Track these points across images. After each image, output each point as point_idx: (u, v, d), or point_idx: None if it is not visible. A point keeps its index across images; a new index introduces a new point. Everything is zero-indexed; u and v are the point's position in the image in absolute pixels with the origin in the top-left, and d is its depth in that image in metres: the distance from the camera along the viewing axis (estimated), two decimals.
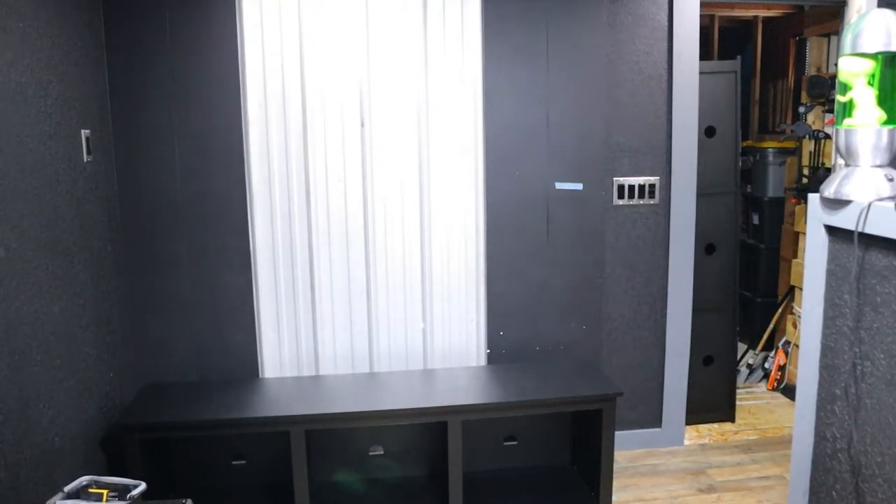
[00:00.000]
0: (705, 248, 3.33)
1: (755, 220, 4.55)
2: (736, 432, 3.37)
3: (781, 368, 3.92)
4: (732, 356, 3.48)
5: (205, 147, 2.62)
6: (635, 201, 3.01)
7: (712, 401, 3.43)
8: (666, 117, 2.97)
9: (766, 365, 4.05)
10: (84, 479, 1.92)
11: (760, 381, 4.05)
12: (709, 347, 3.39)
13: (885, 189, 1.69)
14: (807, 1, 3.44)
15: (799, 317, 3.43)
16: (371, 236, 2.77)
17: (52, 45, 2.11)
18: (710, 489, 2.85)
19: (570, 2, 2.75)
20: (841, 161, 1.93)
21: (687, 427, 3.29)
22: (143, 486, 1.92)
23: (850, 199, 1.71)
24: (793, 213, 4.15)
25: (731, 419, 3.48)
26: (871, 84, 1.74)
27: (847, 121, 1.78)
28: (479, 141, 2.79)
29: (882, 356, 1.64)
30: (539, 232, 2.86)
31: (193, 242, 2.66)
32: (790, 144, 4.43)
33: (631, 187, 2.99)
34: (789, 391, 3.80)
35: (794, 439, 2.00)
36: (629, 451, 3.18)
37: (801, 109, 4.07)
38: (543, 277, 2.89)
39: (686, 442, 3.25)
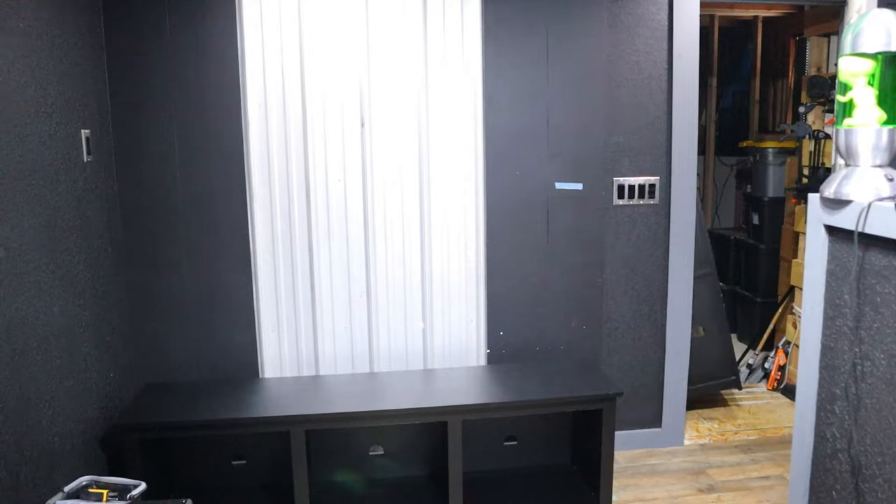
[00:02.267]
0: None
1: (755, 220, 4.55)
2: (736, 432, 3.37)
3: (781, 368, 3.92)
4: (723, 320, 3.50)
5: (205, 147, 2.62)
6: (635, 201, 3.01)
7: (713, 369, 3.44)
8: (666, 117, 2.97)
9: (766, 365, 4.05)
10: (84, 479, 1.92)
11: (760, 381, 4.04)
12: (697, 319, 3.39)
13: (885, 189, 1.69)
14: (807, 1, 3.44)
15: (799, 317, 3.43)
16: (371, 236, 2.77)
17: (52, 45, 2.11)
18: (710, 489, 2.85)
19: (570, 2, 2.75)
20: (841, 161, 1.93)
21: (687, 427, 3.29)
22: (143, 486, 1.92)
23: (850, 199, 1.71)
24: (793, 213, 4.15)
25: (738, 386, 3.55)
26: (871, 84, 1.74)
27: (847, 121, 1.78)
28: (478, 141, 2.79)
29: (882, 356, 1.64)
30: (539, 232, 2.86)
31: (193, 242, 2.66)
32: (790, 144, 4.43)
33: (631, 187, 2.99)
34: (789, 391, 3.80)
35: (794, 439, 2.00)
36: (629, 451, 3.18)
37: (801, 109, 4.07)
38: (543, 277, 2.89)
39: (686, 442, 3.25)
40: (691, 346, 3.19)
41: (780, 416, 3.56)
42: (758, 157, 4.52)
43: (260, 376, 2.78)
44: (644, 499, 2.79)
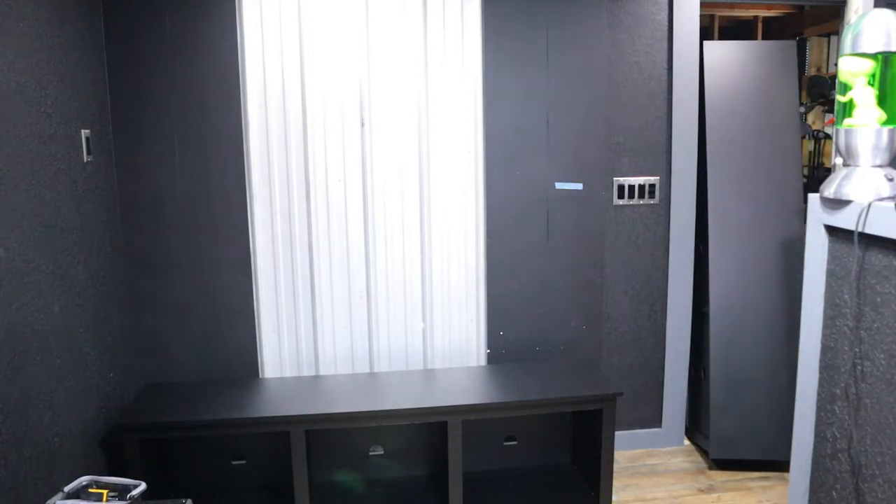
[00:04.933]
0: None
1: None
2: None
3: None
4: None
5: (205, 147, 2.62)
6: (635, 201, 3.01)
7: None
8: (666, 117, 2.97)
9: None
10: (84, 479, 1.92)
11: None
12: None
13: (885, 189, 1.69)
14: (807, 1, 3.44)
15: None
16: (371, 236, 2.77)
17: (52, 45, 2.11)
18: (710, 489, 2.85)
19: (570, 2, 2.75)
20: (840, 161, 1.93)
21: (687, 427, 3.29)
22: (143, 486, 1.92)
23: (850, 199, 1.71)
24: None
25: None
26: (871, 84, 1.74)
27: (847, 121, 1.78)
28: (479, 141, 2.79)
29: (882, 356, 1.64)
30: (539, 232, 2.86)
31: (193, 242, 2.66)
32: None
33: (631, 187, 2.99)
34: None
35: (794, 439, 2.00)
36: (629, 451, 3.18)
37: (801, 109, 4.08)
38: (543, 277, 2.89)
39: (686, 442, 3.25)
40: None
41: None
42: None
43: (260, 376, 2.78)
44: (644, 499, 2.79)
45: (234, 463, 2.69)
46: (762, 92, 2.96)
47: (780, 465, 2.95)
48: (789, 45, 3.02)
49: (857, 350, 1.72)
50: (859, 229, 1.66)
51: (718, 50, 2.98)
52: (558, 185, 2.85)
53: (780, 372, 2.91)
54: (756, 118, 2.95)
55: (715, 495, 2.80)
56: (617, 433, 3.01)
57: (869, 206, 1.63)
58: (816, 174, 3.91)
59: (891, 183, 1.70)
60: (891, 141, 1.73)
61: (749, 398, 2.93)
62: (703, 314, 3.05)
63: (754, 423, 2.93)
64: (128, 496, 1.88)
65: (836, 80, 1.82)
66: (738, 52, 2.98)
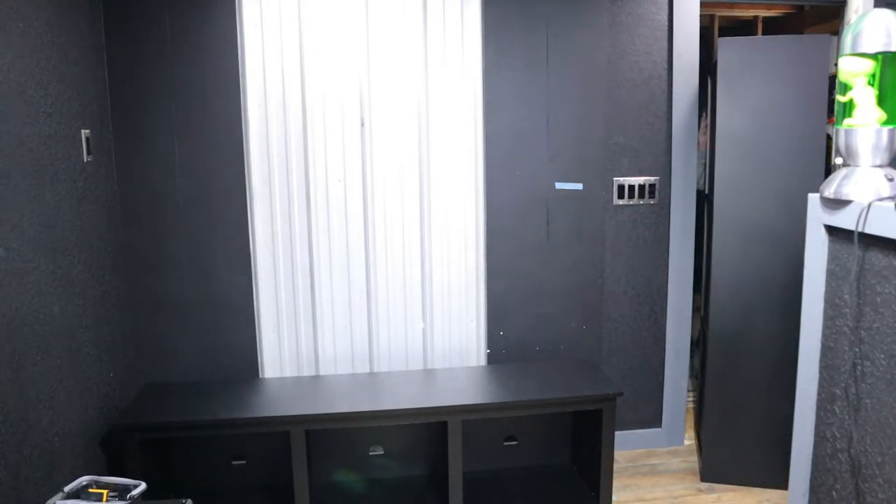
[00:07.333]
0: None
1: None
2: None
3: None
4: None
5: (205, 147, 2.62)
6: (635, 201, 3.01)
7: None
8: (666, 117, 2.97)
9: None
10: (84, 479, 1.92)
11: None
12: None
13: (885, 189, 1.69)
14: (807, 1, 3.44)
15: None
16: (371, 236, 2.77)
17: (52, 45, 2.11)
18: (710, 489, 2.85)
19: (570, 2, 2.75)
20: (840, 161, 1.93)
21: (686, 427, 3.28)
22: (143, 486, 1.92)
23: (850, 199, 1.71)
24: None
25: None
26: (871, 84, 1.74)
27: (847, 121, 1.78)
28: (479, 141, 2.79)
29: (882, 356, 1.63)
30: (539, 232, 2.86)
31: (193, 242, 2.66)
32: None
33: (631, 187, 2.99)
34: None
35: (794, 439, 2.00)
36: (629, 451, 3.18)
37: None
38: (543, 277, 2.89)
39: (686, 442, 3.25)
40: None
41: None
42: None
43: (260, 376, 2.78)
44: (644, 499, 2.79)
45: (234, 463, 2.69)
46: (786, 94, 2.67)
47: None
48: (822, 40, 2.63)
49: (857, 350, 1.72)
50: (859, 229, 1.66)
51: (735, 46, 2.66)
52: (558, 185, 2.85)
53: (780, 404, 2.69)
54: (778, 122, 2.66)
55: (715, 495, 2.80)
56: (617, 433, 3.01)
57: (869, 206, 1.63)
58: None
59: (891, 183, 1.70)
60: (891, 141, 1.73)
61: (744, 428, 2.80)
62: (702, 335, 2.99)
63: (748, 452, 2.82)
64: (128, 496, 1.88)
65: (836, 80, 1.82)
66: (760, 49, 2.65)
